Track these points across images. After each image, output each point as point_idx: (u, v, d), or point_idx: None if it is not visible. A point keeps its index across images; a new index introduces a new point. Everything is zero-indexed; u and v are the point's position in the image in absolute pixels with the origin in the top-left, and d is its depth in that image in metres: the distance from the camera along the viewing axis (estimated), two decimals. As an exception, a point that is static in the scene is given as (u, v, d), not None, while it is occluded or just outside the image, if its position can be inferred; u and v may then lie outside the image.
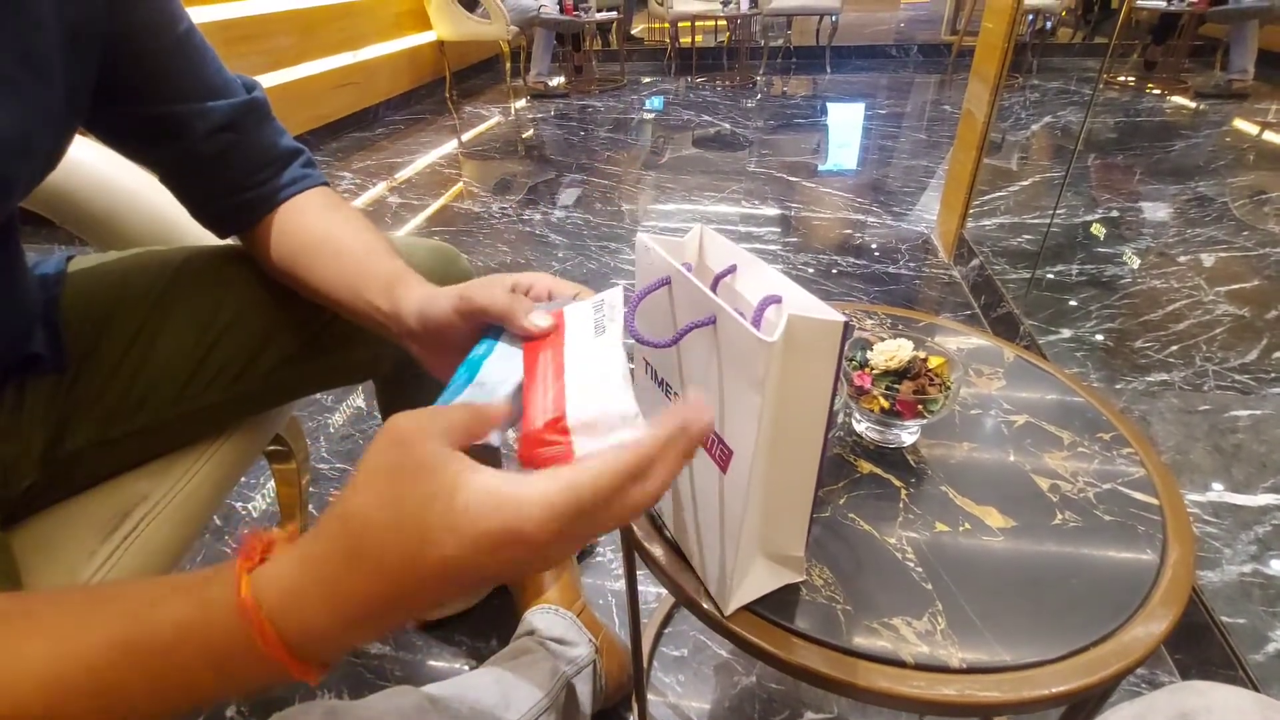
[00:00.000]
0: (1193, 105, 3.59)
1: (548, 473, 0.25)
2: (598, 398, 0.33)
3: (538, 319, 0.39)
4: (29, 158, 0.43)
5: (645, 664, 0.86)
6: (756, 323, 0.37)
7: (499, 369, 0.40)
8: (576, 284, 0.43)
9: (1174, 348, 1.44)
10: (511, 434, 0.34)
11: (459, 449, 0.26)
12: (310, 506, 1.07)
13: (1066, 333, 1.52)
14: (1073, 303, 1.65)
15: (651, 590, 0.99)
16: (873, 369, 0.57)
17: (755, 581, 0.45)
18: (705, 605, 0.46)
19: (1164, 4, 3.87)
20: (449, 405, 0.30)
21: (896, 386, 0.56)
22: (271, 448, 0.83)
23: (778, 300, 0.37)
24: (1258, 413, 1.24)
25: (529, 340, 0.40)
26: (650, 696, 0.84)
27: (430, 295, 0.45)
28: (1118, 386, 1.34)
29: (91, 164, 0.69)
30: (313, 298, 0.54)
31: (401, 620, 0.25)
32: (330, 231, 0.53)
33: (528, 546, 0.24)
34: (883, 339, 0.59)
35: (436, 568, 0.23)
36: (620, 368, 0.34)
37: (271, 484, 1.19)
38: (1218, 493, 1.07)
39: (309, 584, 0.24)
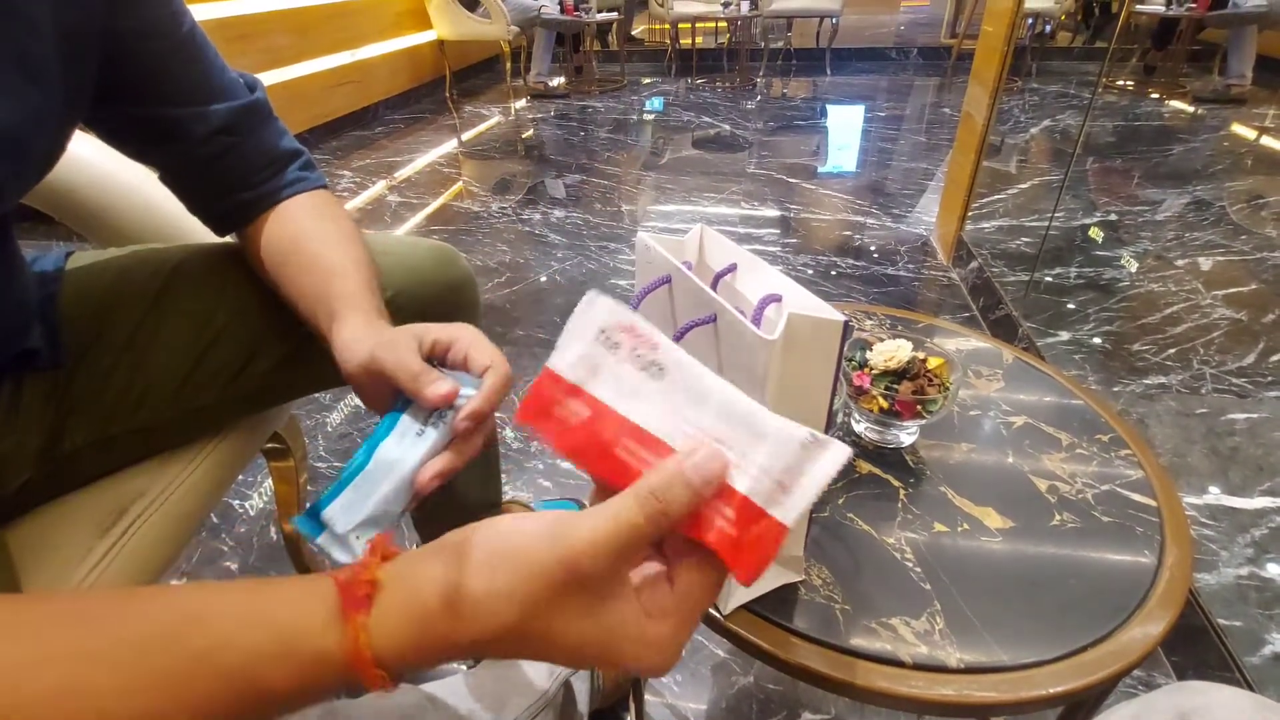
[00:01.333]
0: (1191, 110, 3.59)
1: (679, 613, 0.25)
2: (758, 450, 0.25)
3: (438, 387, 0.38)
4: (22, 159, 0.43)
5: (643, 664, 0.86)
6: (757, 321, 0.37)
7: (397, 449, 0.38)
8: (494, 348, 0.42)
9: (1171, 351, 1.45)
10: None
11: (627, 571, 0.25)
12: (307, 505, 1.07)
13: (1065, 335, 1.53)
14: (1071, 305, 1.65)
15: (649, 590, 0.99)
16: (872, 369, 0.57)
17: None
18: (704, 604, 0.46)
19: (1163, 9, 3.88)
20: (615, 531, 0.24)
21: (895, 387, 0.56)
22: (270, 445, 0.82)
23: (778, 299, 0.37)
24: (1254, 416, 1.24)
25: (461, 417, 0.38)
26: (648, 696, 0.84)
27: (347, 342, 0.44)
28: (1115, 389, 1.34)
29: (91, 160, 0.69)
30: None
31: None
32: (306, 242, 0.52)
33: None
34: (882, 340, 0.59)
35: (532, 659, 0.25)
36: (743, 395, 0.25)
37: (268, 483, 1.19)
38: (1214, 495, 1.07)
39: (421, 650, 0.24)
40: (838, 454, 0.24)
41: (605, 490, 0.27)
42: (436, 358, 0.43)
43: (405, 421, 0.39)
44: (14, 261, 0.51)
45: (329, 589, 0.24)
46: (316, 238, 0.52)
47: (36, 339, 0.51)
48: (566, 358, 0.27)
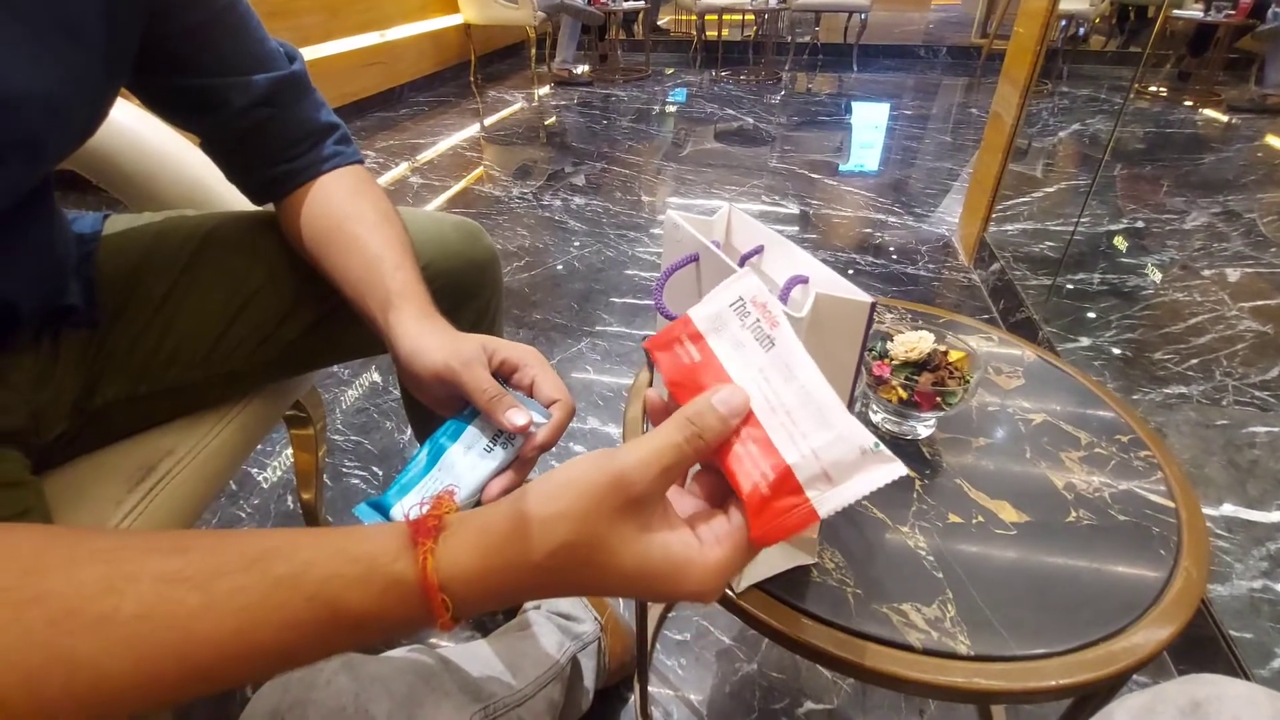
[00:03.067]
0: (1225, 119, 3.53)
1: (727, 542, 0.27)
2: (819, 435, 0.26)
3: (515, 416, 0.39)
4: (62, 121, 0.43)
5: (648, 646, 0.87)
6: (783, 301, 0.37)
7: (464, 460, 0.40)
8: (559, 380, 0.43)
9: (1193, 361, 1.43)
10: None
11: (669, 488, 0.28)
12: (324, 475, 1.09)
13: (1085, 341, 1.51)
14: (1092, 312, 1.64)
15: (657, 575, 1.00)
16: (892, 359, 0.57)
17: (767, 561, 0.46)
18: (716, 582, 0.47)
19: (1200, 15, 3.80)
20: (659, 449, 0.26)
21: (915, 378, 0.56)
22: (290, 413, 0.84)
23: (804, 280, 0.38)
24: (1276, 429, 1.23)
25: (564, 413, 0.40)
26: (651, 678, 0.85)
27: (417, 348, 0.44)
28: (1135, 397, 1.33)
29: (131, 127, 0.70)
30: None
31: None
32: (347, 223, 0.53)
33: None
34: (902, 332, 0.59)
35: (593, 588, 0.26)
36: (827, 387, 0.27)
37: (286, 454, 1.21)
38: (1231, 508, 1.06)
39: (487, 575, 0.26)
40: (894, 469, 0.26)
41: None
42: (501, 376, 0.44)
43: (472, 433, 0.41)
44: (56, 220, 0.52)
45: (401, 527, 0.26)
46: (358, 218, 0.53)
47: (74, 295, 0.53)
48: (704, 311, 0.31)
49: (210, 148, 0.56)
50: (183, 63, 0.49)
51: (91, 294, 0.54)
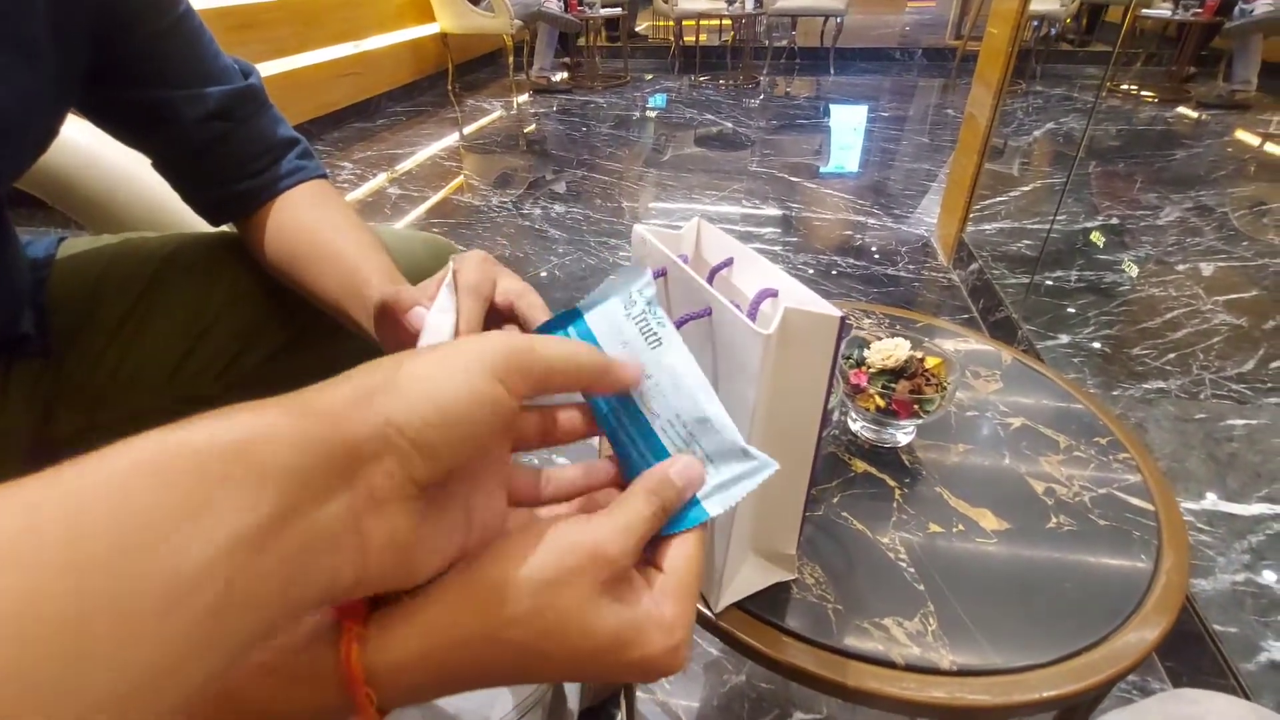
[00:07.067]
0: (1195, 115, 3.59)
1: (674, 595, 0.24)
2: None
3: (416, 315, 0.37)
4: (15, 141, 0.42)
5: (635, 661, 0.86)
6: (752, 316, 0.36)
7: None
8: (541, 302, 0.39)
9: (1171, 356, 1.44)
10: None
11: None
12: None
13: (1064, 339, 1.52)
14: (1071, 309, 1.65)
15: (643, 587, 0.99)
16: (869, 367, 0.57)
17: (746, 579, 0.45)
18: (695, 602, 0.46)
19: (1168, 14, 3.87)
20: (634, 523, 0.24)
21: (893, 386, 0.55)
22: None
23: (774, 294, 0.37)
24: (1253, 422, 1.24)
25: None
26: (639, 694, 0.84)
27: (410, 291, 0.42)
28: (1114, 393, 1.34)
29: (85, 145, 0.68)
30: (305, 298, 0.53)
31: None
32: (319, 231, 0.51)
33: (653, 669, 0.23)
34: (880, 338, 0.59)
35: (548, 667, 0.22)
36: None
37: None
38: (1212, 501, 1.07)
39: (428, 657, 0.21)
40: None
41: None
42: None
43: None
44: (9, 246, 0.50)
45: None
46: (330, 227, 0.51)
47: (28, 324, 0.51)
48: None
49: (165, 166, 0.54)
50: (133, 75, 0.48)
51: (44, 322, 0.52)
